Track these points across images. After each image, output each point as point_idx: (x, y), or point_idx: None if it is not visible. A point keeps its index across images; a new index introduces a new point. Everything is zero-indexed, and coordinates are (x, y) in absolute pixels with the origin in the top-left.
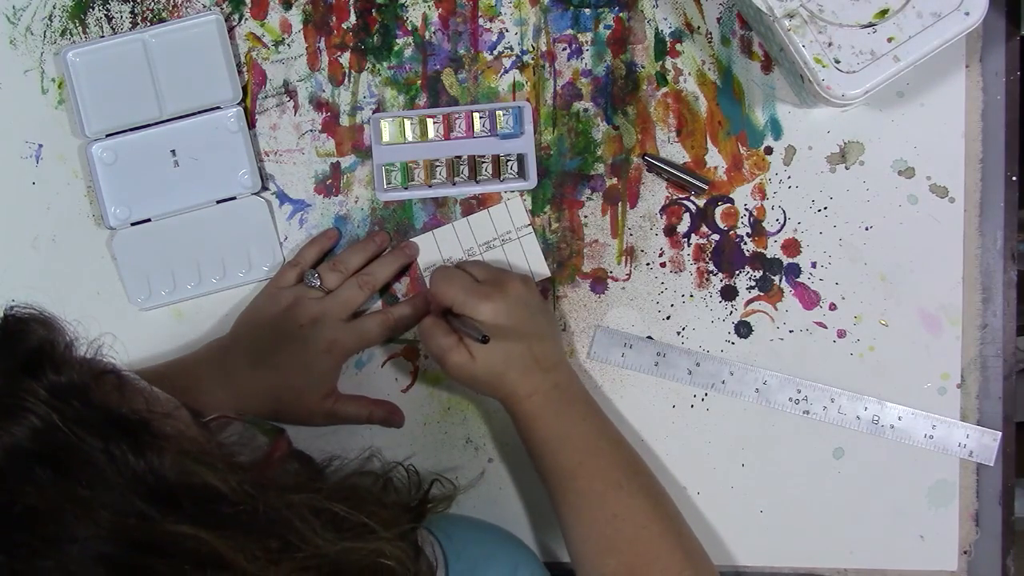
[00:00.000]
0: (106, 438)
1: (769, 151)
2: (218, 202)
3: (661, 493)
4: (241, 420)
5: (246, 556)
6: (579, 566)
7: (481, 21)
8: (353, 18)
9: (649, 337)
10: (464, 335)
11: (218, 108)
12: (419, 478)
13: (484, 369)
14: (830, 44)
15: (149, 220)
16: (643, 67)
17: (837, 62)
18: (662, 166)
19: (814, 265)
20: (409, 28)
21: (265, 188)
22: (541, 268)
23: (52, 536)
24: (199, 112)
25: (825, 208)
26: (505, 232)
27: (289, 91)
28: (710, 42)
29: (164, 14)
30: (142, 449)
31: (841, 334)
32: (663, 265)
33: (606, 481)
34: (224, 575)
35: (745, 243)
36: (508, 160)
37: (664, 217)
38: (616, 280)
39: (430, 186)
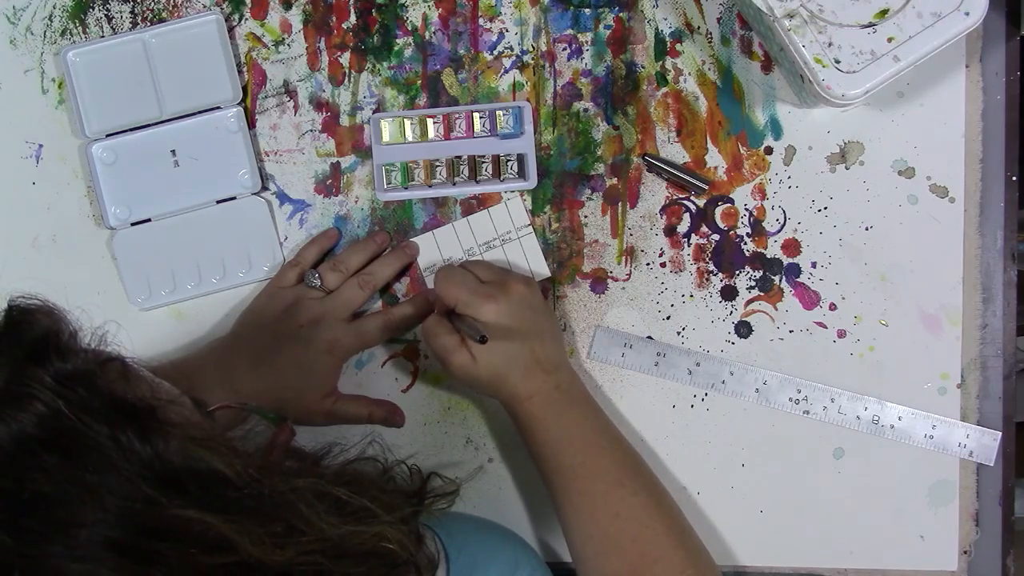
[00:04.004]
0: (112, 424)
1: (769, 151)
2: (218, 202)
3: (663, 492)
4: (243, 408)
5: (252, 540)
6: (581, 565)
7: (481, 21)
8: (353, 18)
9: (649, 337)
10: (464, 335)
11: (218, 108)
12: (420, 474)
13: (486, 370)
14: (830, 44)
15: (149, 220)
16: (643, 67)
17: (837, 62)
18: (662, 166)
19: (814, 265)
20: (409, 28)
21: (265, 188)
22: (541, 268)
23: (60, 521)
24: (199, 112)
25: (825, 208)
26: (505, 232)
27: (289, 91)
28: (710, 42)
29: (164, 14)
30: (148, 435)
31: (841, 334)
32: (663, 265)
33: (608, 480)
34: (230, 559)
35: (745, 243)
36: (508, 160)
37: (664, 217)
38: (616, 280)
39: (430, 186)
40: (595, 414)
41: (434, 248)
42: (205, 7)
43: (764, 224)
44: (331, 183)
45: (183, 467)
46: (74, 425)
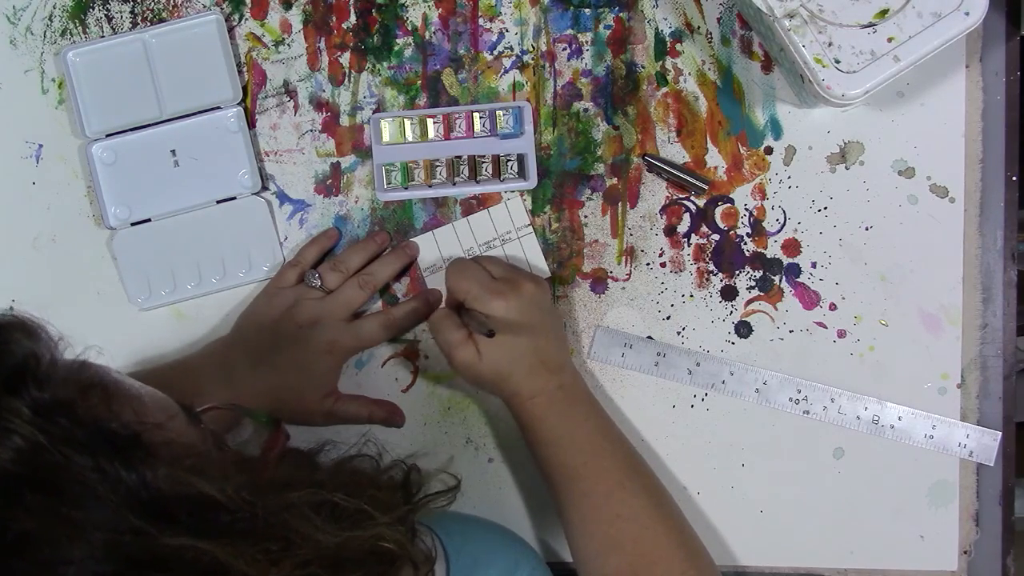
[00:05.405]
0: (95, 455)
1: (769, 151)
2: (218, 202)
3: (663, 493)
4: (233, 409)
5: (246, 560)
6: (582, 565)
7: (481, 21)
8: (353, 18)
9: (649, 337)
10: (472, 329)
11: (218, 108)
12: (416, 470)
13: (490, 368)
14: (830, 44)
15: (149, 220)
16: (643, 67)
17: (837, 62)
18: (662, 166)
19: (814, 265)
20: (409, 28)
21: (265, 188)
22: (541, 268)
23: (47, 561)
24: (199, 112)
25: (825, 208)
26: (505, 232)
27: (289, 91)
28: (710, 42)
29: (164, 14)
30: (133, 463)
31: (841, 334)
32: (663, 265)
33: (609, 481)
34: None
35: (745, 243)
36: (508, 160)
37: (664, 217)
38: (616, 280)
39: (430, 186)
40: (597, 415)
41: (434, 248)
42: (205, 7)
43: (764, 224)
44: (331, 183)
45: (172, 494)
46: (55, 459)
